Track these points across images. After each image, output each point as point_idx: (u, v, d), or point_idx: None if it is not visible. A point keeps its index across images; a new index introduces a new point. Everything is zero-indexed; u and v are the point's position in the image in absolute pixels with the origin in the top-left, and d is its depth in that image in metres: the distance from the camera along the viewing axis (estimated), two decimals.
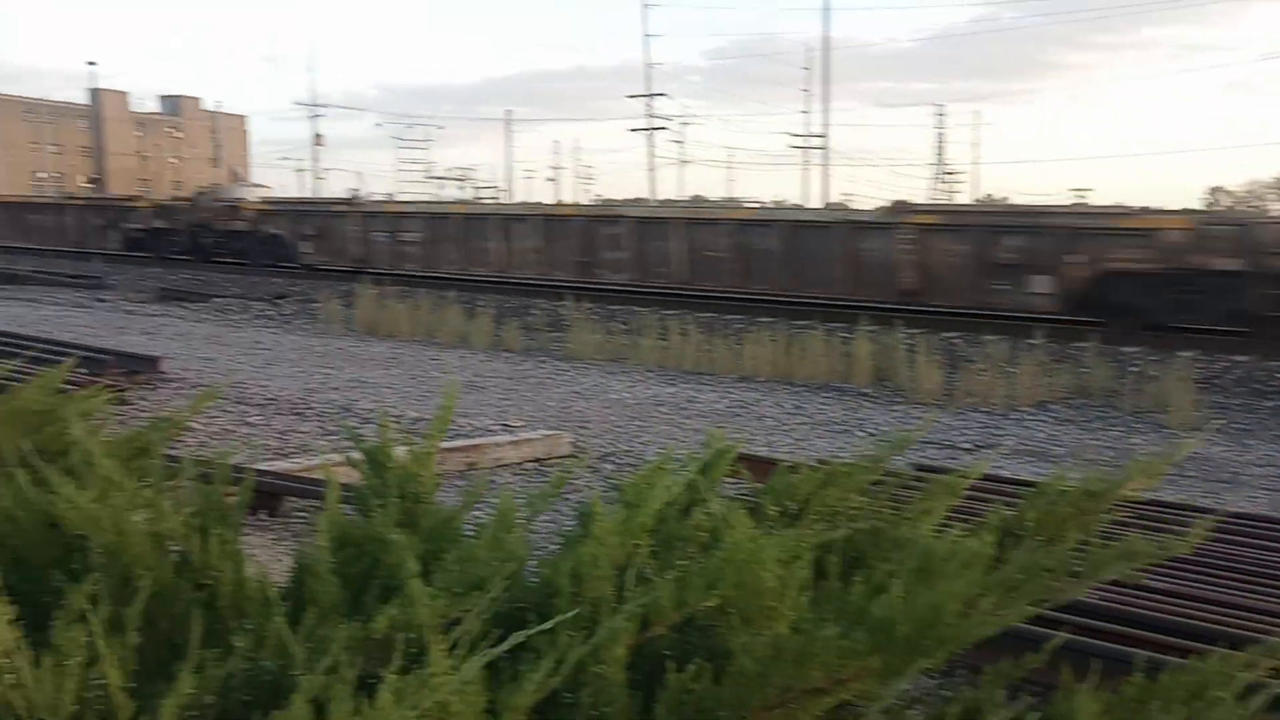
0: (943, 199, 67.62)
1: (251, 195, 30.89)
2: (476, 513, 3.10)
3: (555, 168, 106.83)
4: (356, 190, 25.42)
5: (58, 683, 1.79)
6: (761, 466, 4.10)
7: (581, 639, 2.09)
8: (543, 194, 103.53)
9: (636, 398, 11.11)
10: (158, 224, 28.94)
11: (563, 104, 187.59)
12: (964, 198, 73.76)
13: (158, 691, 1.91)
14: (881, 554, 2.60)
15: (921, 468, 6.01)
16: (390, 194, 52.29)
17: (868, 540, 2.67)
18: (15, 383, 4.33)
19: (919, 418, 10.15)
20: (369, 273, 21.64)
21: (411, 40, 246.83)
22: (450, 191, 79.15)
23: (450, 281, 21.44)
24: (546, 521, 5.98)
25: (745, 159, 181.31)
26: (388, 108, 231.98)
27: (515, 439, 8.10)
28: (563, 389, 11.53)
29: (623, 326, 16.53)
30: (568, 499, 6.79)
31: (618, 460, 8.02)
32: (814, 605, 2.29)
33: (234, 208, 28.03)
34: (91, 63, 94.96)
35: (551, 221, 21.95)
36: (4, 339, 12.44)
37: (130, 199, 35.35)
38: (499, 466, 7.52)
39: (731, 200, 56.08)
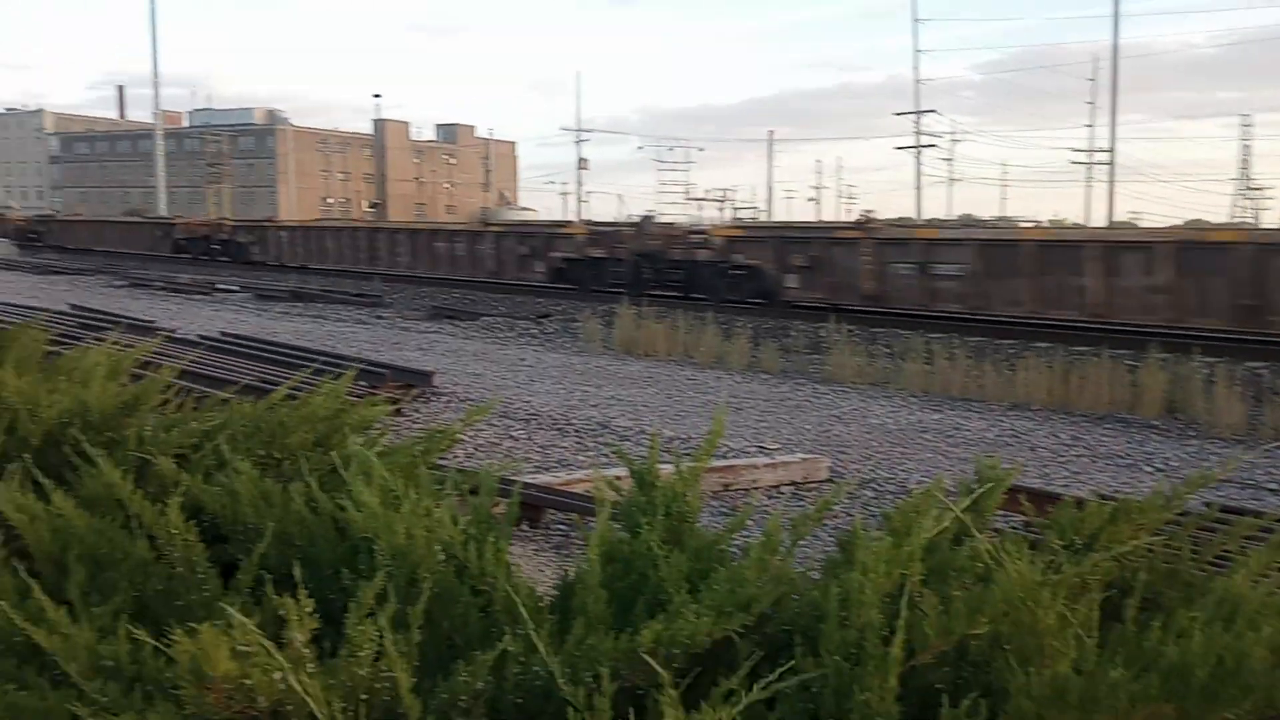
0: (1246, 216, 62.47)
1: (547, 216, 30.94)
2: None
3: (817, 187, 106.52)
4: (870, 212, 23.91)
5: (349, 673, 1.88)
6: (1036, 500, 3.87)
7: (849, 666, 2.03)
8: (803, 214, 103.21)
9: (899, 423, 10.83)
10: (593, 252, 25.56)
11: (826, 123, 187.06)
12: (1274, 215, 67.90)
13: (436, 687, 1.98)
14: (1180, 597, 2.38)
15: (1226, 509, 5.53)
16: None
17: (1163, 582, 2.46)
18: (304, 392, 4.66)
19: (1218, 453, 9.40)
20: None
21: (673, 64, 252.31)
22: (709, 213, 79.99)
23: (707, 303, 21.60)
24: (803, 545, 5.87)
25: (1020, 176, 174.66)
26: (649, 131, 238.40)
27: (772, 461, 8.05)
28: (821, 412, 11.38)
29: (885, 349, 16.18)
30: (825, 524, 6.67)
31: (878, 487, 7.84)
32: (1101, 646, 2.13)
33: (696, 234, 24.66)
34: (377, 95, 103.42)
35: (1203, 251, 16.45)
36: (294, 352, 13.52)
37: (560, 225, 32.31)
38: (754, 488, 7.48)
39: (1004, 219, 53.83)
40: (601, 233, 26.75)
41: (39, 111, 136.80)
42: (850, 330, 16.75)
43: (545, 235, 27.87)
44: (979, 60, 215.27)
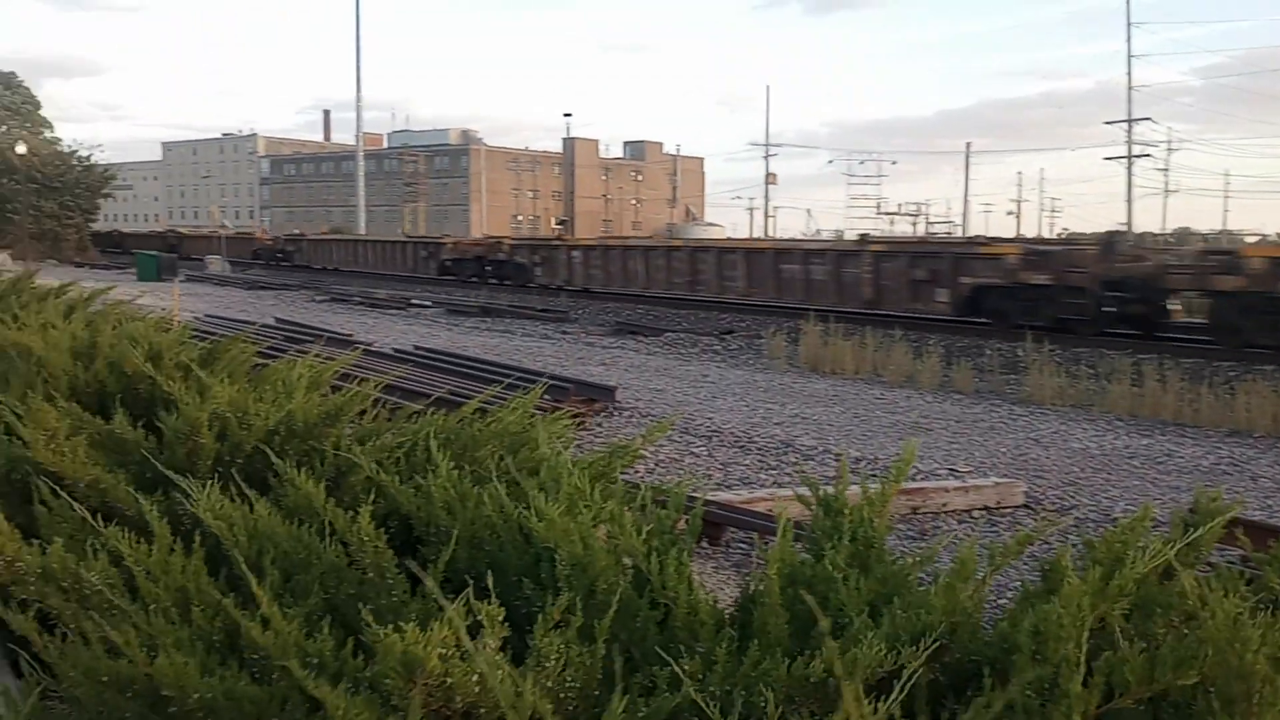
0: None
1: (707, 233, 30.57)
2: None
3: (1017, 200, 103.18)
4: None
5: (538, 683, 1.90)
6: (1255, 534, 3.59)
7: (1039, 703, 1.93)
8: (1002, 229, 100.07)
9: (1102, 448, 10.31)
10: (1031, 278, 20.04)
11: (1027, 133, 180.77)
12: None
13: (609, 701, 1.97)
14: None
15: None
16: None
17: None
18: (494, 406, 4.77)
19: None
20: (814, 310, 21.18)
21: (865, 75, 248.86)
22: (901, 228, 78.48)
23: (896, 319, 21.12)
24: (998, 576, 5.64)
25: (1243, 186, 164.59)
26: (839, 144, 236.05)
27: (964, 485, 7.79)
28: (1017, 435, 10.96)
29: (1089, 370, 15.48)
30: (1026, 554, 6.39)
31: (1079, 515, 7.47)
32: None
33: (1217, 256, 18.88)
34: (567, 114, 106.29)
35: None
36: (483, 366, 13.92)
37: (977, 242, 26.44)
38: (944, 512, 7.25)
39: (1225, 233, 50.73)
40: (1044, 254, 21.07)
41: (252, 136, 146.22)
42: (1051, 350, 16.10)
43: (953, 256, 22.41)
44: (1199, 64, 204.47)
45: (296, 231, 61.56)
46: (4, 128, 75.39)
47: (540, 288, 33.37)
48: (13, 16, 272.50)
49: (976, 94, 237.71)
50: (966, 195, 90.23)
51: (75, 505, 2.87)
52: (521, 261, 35.49)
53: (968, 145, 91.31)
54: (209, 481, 2.89)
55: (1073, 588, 2.05)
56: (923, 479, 8.22)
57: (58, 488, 3.04)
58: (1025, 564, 5.97)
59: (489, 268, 36.71)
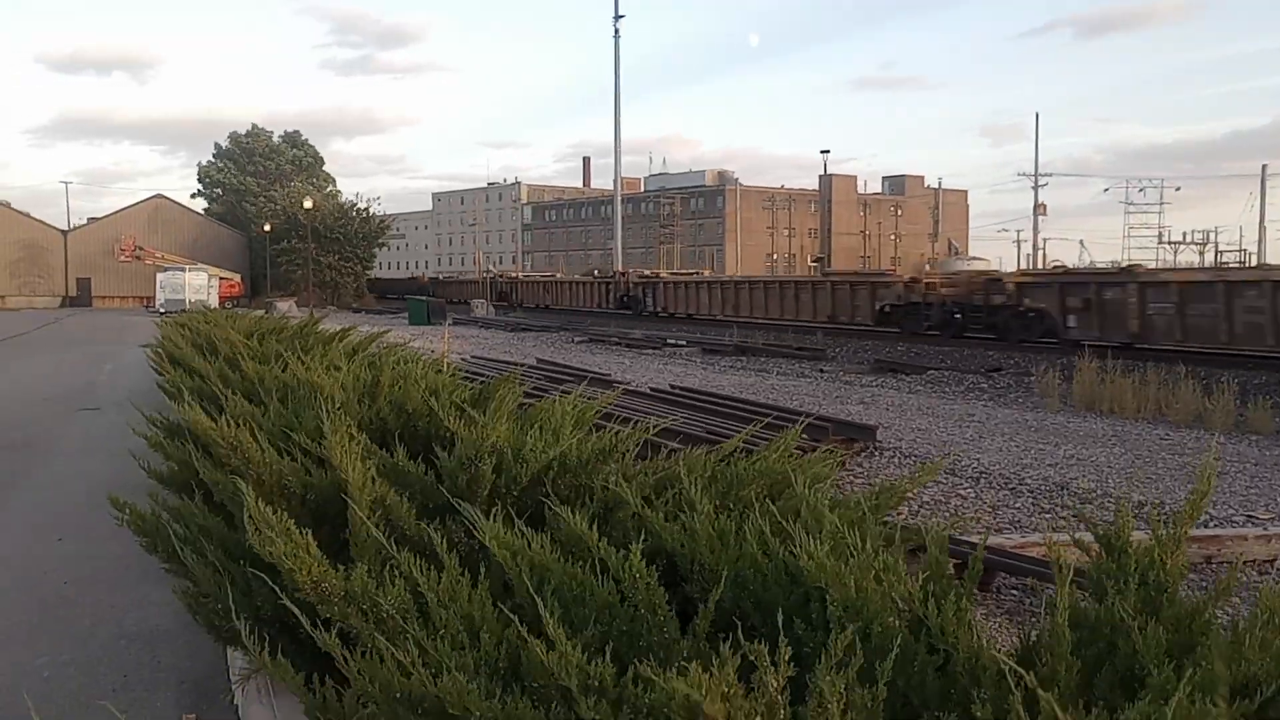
0: None
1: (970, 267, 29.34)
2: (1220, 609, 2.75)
3: None
4: None
5: None
6: None
7: None
8: None
9: None
10: None
11: None
12: None
13: None
14: None
15: None
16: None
17: None
18: (756, 446, 4.79)
19: None
20: (1087, 344, 19.92)
21: (1142, 99, 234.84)
22: (1186, 257, 73.31)
23: (1179, 354, 19.71)
24: None
25: None
26: (1115, 171, 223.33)
27: (1265, 533, 7.15)
28: None
29: None
30: None
31: None
32: None
33: None
34: (825, 151, 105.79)
35: None
36: (740, 405, 13.96)
37: None
38: (1241, 561, 6.67)
39: None
40: None
41: (515, 184, 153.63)
42: None
43: None
44: None
45: (648, 272, 55.52)
46: (293, 183, 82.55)
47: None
48: (299, 83, 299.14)
49: (1271, 112, 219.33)
50: (1262, 220, 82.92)
51: (374, 531, 3.08)
52: (1040, 307, 26.14)
53: (1263, 167, 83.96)
54: (491, 509, 3.03)
55: None
56: (1217, 526, 7.62)
57: (364, 517, 3.27)
58: None
59: (957, 315, 29.07)
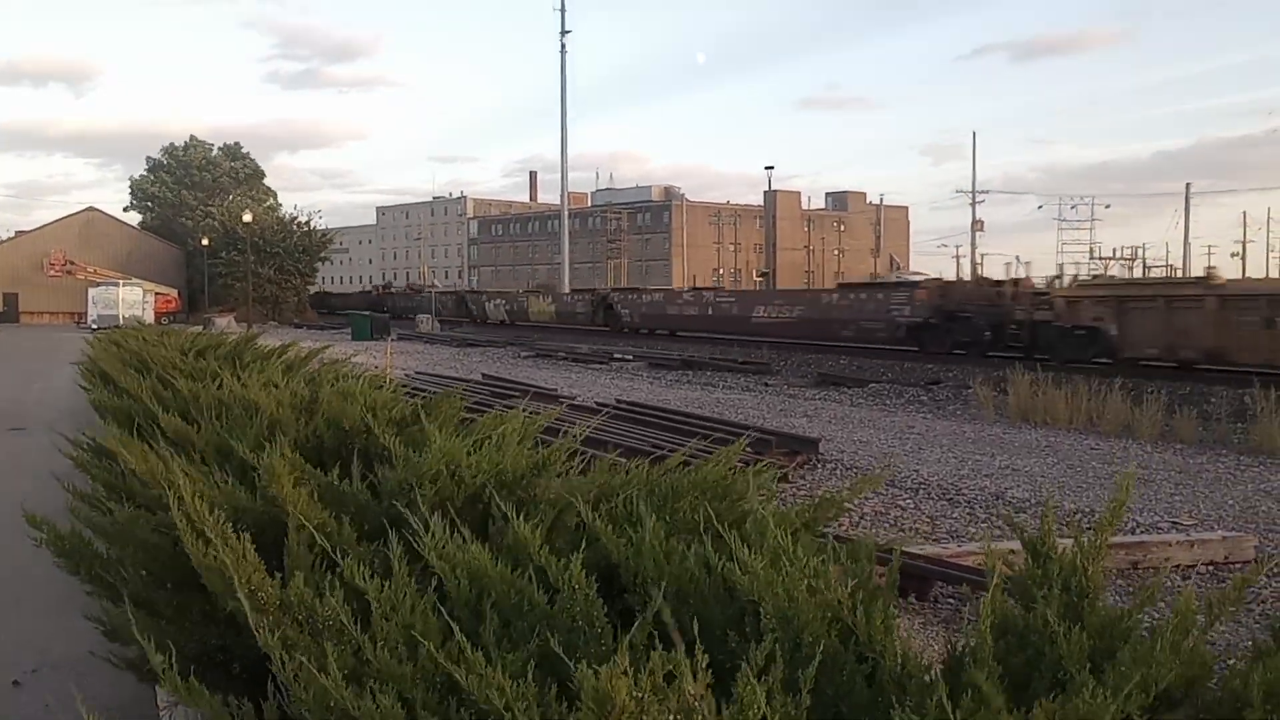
0: None
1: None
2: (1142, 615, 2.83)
3: (1242, 242, 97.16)
4: None
5: None
6: None
7: None
8: (1230, 271, 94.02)
9: None
10: None
11: (1250, 173, 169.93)
12: None
13: None
14: None
15: None
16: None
17: None
18: (698, 459, 4.83)
19: None
20: (1022, 358, 20.01)
21: (1073, 121, 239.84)
22: (1115, 272, 74.85)
23: (1110, 367, 20.14)
24: (1223, 631, 5.31)
25: None
26: (1049, 189, 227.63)
27: (1188, 539, 7.34)
28: (1245, 486, 10.26)
29: None
30: (1250, 609, 5.99)
31: None
32: None
33: None
34: (769, 167, 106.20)
35: None
36: (684, 419, 14.03)
37: None
38: (1166, 567, 6.84)
39: None
40: None
41: (461, 198, 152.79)
42: None
43: None
44: None
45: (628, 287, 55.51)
46: (230, 197, 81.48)
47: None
48: (243, 96, 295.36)
49: (1195, 134, 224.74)
50: (1187, 238, 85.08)
51: (313, 545, 3.07)
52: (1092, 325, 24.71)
53: (1187, 186, 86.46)
54: (432, 517, 3.03)
55: None
56: (1144, 533, 7.81)
57: (301, 527, 3.25)
58: (1258, 624, 5.58)
59: (983, 332, 27.22)
